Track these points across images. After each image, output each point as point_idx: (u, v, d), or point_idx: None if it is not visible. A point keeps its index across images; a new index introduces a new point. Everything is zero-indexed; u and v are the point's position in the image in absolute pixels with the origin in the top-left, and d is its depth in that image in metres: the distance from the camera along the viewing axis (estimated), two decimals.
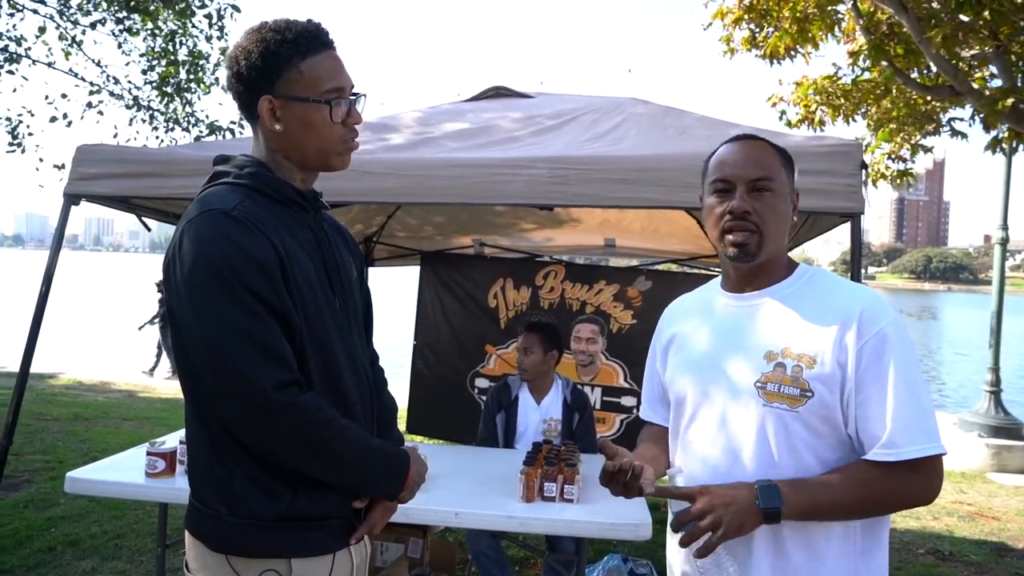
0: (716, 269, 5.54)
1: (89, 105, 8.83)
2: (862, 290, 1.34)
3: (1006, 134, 5.51)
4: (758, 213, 1.33)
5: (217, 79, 9.25)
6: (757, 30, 5.93)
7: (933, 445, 1.22)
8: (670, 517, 1.40)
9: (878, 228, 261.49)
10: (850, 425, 1.27)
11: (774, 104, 6.73)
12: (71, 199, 3.09)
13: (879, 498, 1.25)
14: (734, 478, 1.31)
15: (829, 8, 5.60)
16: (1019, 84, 4.91)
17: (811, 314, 1.31)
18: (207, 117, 9.42)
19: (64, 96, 8.60)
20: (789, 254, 1.47)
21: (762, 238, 1.33)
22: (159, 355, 11.18)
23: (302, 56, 1.30)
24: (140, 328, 11.55)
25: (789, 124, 6.38)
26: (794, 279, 1.38)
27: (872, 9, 5.40)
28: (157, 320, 11.17)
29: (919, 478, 1.24)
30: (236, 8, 9.05)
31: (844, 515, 1.27)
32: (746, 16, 5.81)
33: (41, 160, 8.87)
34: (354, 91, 1.37)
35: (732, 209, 1.34)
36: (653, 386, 1.61)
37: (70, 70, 8.83)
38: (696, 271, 5.68)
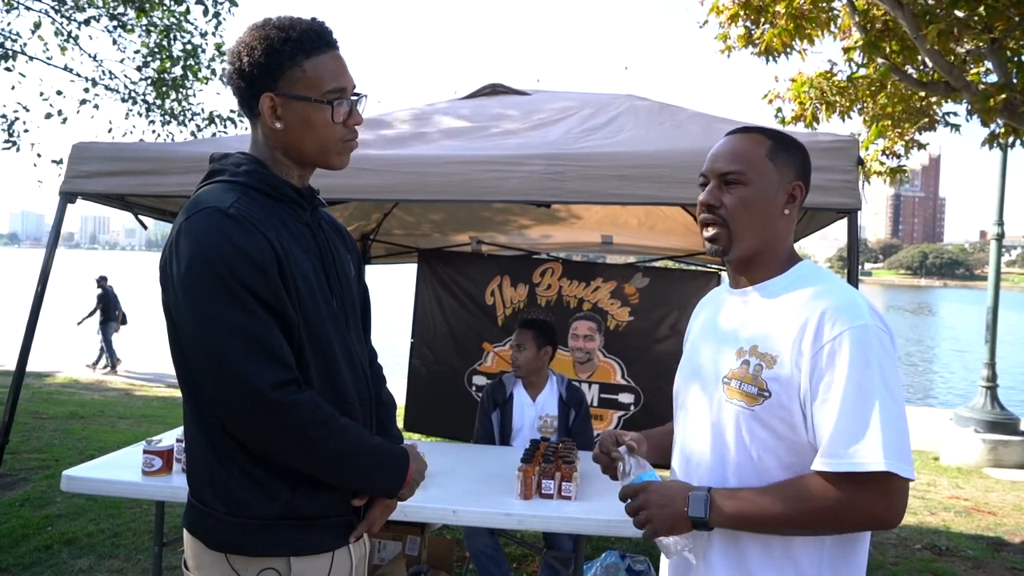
0: (713, 266, 5.55)
1: (84, 101, 8.79)
2: (835, 291, 1.26)
3: (1002, 129, 5.52)
4: (726, 207, 1.32)
5: (214, 71, 9.22)
6: (753, 27, 5.93)
7: (877, 461, 1.12)
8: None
9: (874, 224, 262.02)
10: (809, 431, 1.22)
11: (770, 101, 6.72)
12: (67, 197, 3.08)
13: (822, 513, 1.17)
14: (696, 472, 1.35)
15: (824, 4, 5.60)
16: (1014, 80, 4.91)
17: (782, 313, 1.27)
18: (203, 110, 9.39)
19: (60, 92, 8.56)
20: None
21: (731, 232, 1.32)
22: (102, 350, 11.30)
23: (306, 55, 1.30)
24: (79, 323, 11.70)
25: (784, 121, 6.38)
26: (786, 276, 1.34)
27: (867, 5, 5.40)
28: (97, 315, 11.39)
29: (871, 497, 1.15)
30: (234, 2, 9.02)
31: (785, 528, 1.22)
32: (742, 13, 5.80)
33: (39, 155, 8.84)
34: (355, 92, 1.36)
35: (700, 201, 1.37)
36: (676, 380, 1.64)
37: (65, 66, 8.80)
38: (693, 268, 5.69)
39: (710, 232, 1.35)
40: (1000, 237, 7.46)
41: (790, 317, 1.26)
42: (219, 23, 8.98)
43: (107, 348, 11.23)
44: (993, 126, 5.45)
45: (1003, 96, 4.74)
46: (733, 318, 1.37)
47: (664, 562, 1.48)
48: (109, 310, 11.41)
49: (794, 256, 1.38)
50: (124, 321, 11.72)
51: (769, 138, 1.37)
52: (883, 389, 1.17)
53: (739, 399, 1.28)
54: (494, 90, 4.12)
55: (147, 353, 12.43)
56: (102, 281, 11.67)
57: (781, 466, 1.25)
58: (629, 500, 1.33)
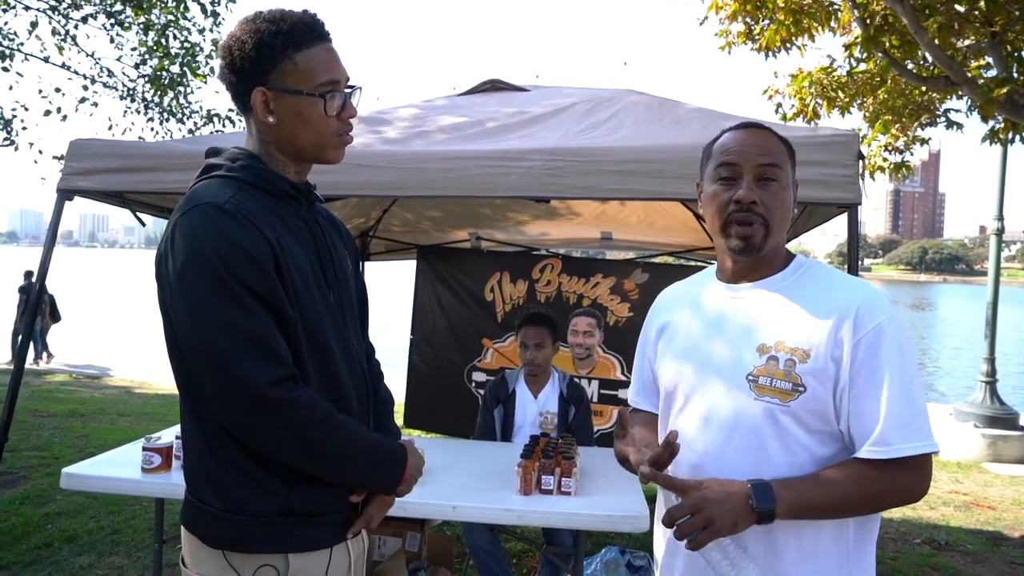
0: (713, 261, 5.53)
1: (83, 99, 8.78)
2: (860, 284, 1.31)
3: (1002, 125, 5.52)
4: (764, 204, 1.29)
5: (212, 69, 9.21)
6: (752, 23, 5.92)
7: (926, 443, 1.20)
8: (659, 510, 1.40)
9: (874, 220, 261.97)
10: (842, 421, 1.24)
11: (770, 97, 6.71)
12: (64, 194, 3.07)
13: (871, 496, 1.23)
14: (722, 471, 1.28)
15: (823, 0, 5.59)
16: (1015, 74, 4.90)
17: (806, 307, 1.28)
18: (201, 108, 9.37)
19: (58, 90, 8.55)
20: (786, 245, 1.45)
21: (768, 230, 1.30)
22: (34, 343, 11.52)
23: (297, 48, 1.28)
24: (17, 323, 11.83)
25: (784, 118, 6.38)
26: (790, 271, 1.35)
27: (867, 0, 5.39)
28: (22, 310, 11.62)
29: (911, 476, 1.22)
30: None
31: (836, 513, 1.25)
32: (741, 9, 5.79)
33: (40, 152, 8.82)
34: (349, 84, 1.35)
35: (739, 198, 1.29)
36: (643, 373, 1.57)
37: (63, 64, 8.79)
38: (693, 263, 5.69)
39: (745, 231, 1.30)
40: (1000, 232, 7.45)
41: (820, 311, 1.27)
42: (217, 20, 8.96)
43: (37, 341, 11.54)
44: (993, 121, 5.45)
45: (1004, 90, 4.73)
46: (747, 314, 1.34)
47: (663, 562, 1.46)
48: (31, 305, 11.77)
49: (788, 252, 1.39)
50: (54, 315, 11.95)
51: (776, 135, 1.37)
52: (916, 374, 1.25)
53: (772, 396, 1.26)
54: (493, 86, 4.11)
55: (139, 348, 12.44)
56: (28, 276, 11.94)
57: (813, 459, 1.26)
58: (679, 520, 1.20)
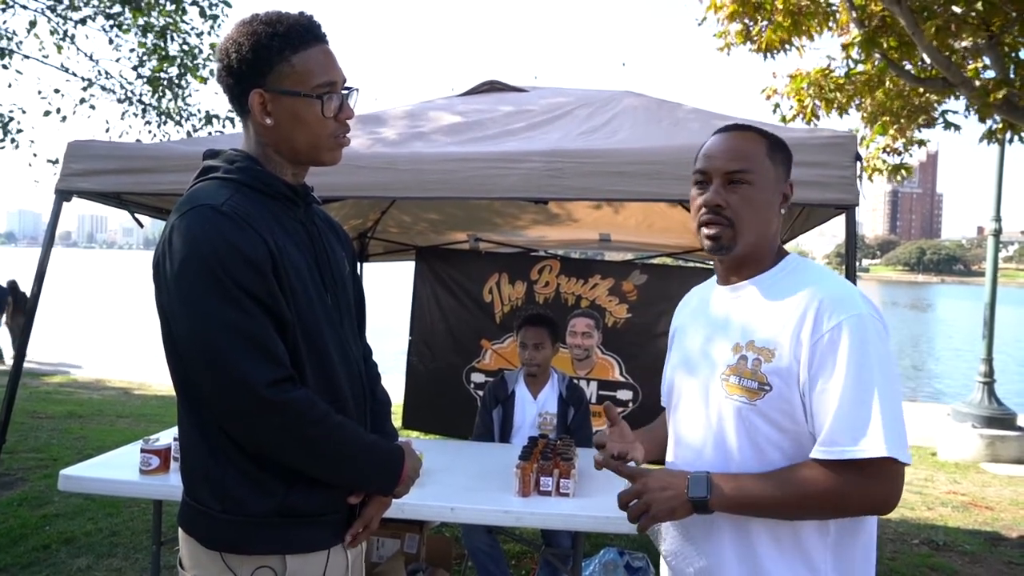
0: (711, 263, 5.54)
1: (82, 100, 8.78)
2: (830, 282, 1.28)
3: (999, 125, 5.53)
4: (732, 207, 1.31)
5: (211, 71, 9.20)
6: (751, 23, 5.93)
7: (879, 447, 1.14)
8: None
9: (872, 220, 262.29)
10: (809, 420, 1.23)
11: (768, 97, 6.72)
12: (63, 195, 3.07)
13: (825, 498, 1.19)
14: (703, 469, 1.31)
15: (822, 0, 5.60)
16: (1011, 75, 4.92)
17: (776, 306, 1.29)
18: (200, 110, 9.36)
19: (57, 91, 8.54)
20: (785, 246, 1.45)
21: (735, 231, 1.31)
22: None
23: (293, 50, 1.28)
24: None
25: (783, 119, 6.39)
26: (776, 270, 1.35)
27: (865, 1, 5.40)
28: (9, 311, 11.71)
29: (869, 482, 1.18)
30: (227, 3, 9.00)
31: (785, 512, 1.23)
32: (740, 10, 5.80)
33: (35, 155, 8.82)
34: (346, 85, 1.35)
35: (706, 202, 1.34)
36: (665, 375, 1.61)
37: (61, 65, 8.79)
38: (691, 265, 5.69)
39: (713, 231, 1.33)
40: (997, 233, 7.46)
41: (786, 309, 1.27)
42: (215, 23, 8.96)
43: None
44: (991, 122, 5.46)
45: (1001, 92, 4.74)
46: (725, 314, 1.37)
47: (664, 563, 1.48)
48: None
49: (782, 251, 1.40)
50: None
51: (764, 137, 1.37)
52: (881, 376, 1.19)
53: (739, 394, 1.28)
54: (491, 87, 4.11)
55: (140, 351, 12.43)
56: (11, 284, 12.03)
57: (785, 458, 1.26)
58: (630, 504, 1.30)
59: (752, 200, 1.32)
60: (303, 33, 1.29)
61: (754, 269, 1.36)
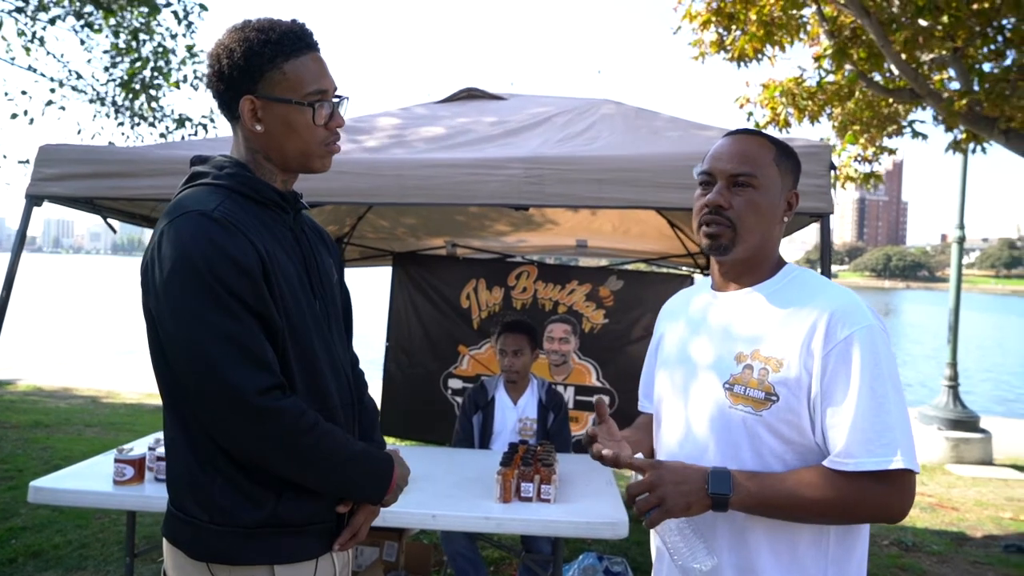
0: (686, 268, 5.61)
1: (50, 103, 8.59)
2: (838, 293, 1.28)
3: (963, 135, 5.69)
4: (735, 209, 1.30)
5: (185, 76, 9.07)
6: (725, 33, 6.03)
7: (896, 459, 1.16)
8: (652, 543, 1.43)
9: (840, 227, 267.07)
10: (817, 432, 1.23)
11: (741, 105, 6.84)
12: (33, 200, 3.00)
13: (838, 504, 1.19)
14: None
15: (793, 12, 5.72)
16: (975, 87, 5.07)
17: (783, 316, 1.27)
18: (173, 112, 9.22)
19: (24, 92, 8.35)
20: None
21: (736, 233, 1.30)
22: None
23: (285, 57, 1.28)
24: None
25: (758, 126, 6.50)
26: (777, 279, 1.35)
27: (836, 13, 5.53)
28: None
29: (885, 491, 1.19)
30: (203, 7, 8.90)
31: (803, 515, 1.22)
32: (714, 19, 5.90)
33: (4, 157, 8.61)
34: (337, 94, 1.35)
35: (708, 202, 1.33)
36: (647, 379, 1.60)
37: (29, 66, 8.59)
38: (666, 271, 5.75)
39: (713, 230, 1.32)
40: (961, 240, 7.65)
41: (794, 320, 1.26)
42: (190, 25, 8.86)
43: None
44: (956, 132, 5.61)
45: (964, 102, 4.88)
46: (726, 321, 1.35)
47: (654, 568, 1.48)
48: None
49: (781, 260, 1.39)
50: None
51: (773, 143, 1.37)
52: (892, 388, 1.20)
53: (745, 404, 1.26)
54: (470, 94, 4.12)
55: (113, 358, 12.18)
56: None
57: (786, 468, 1.25)
58: (639, 498, 1.23)
59: (755, 204, 1.31)
60: (295, 41, 1.29)
61: (754, 276, 1.35)
